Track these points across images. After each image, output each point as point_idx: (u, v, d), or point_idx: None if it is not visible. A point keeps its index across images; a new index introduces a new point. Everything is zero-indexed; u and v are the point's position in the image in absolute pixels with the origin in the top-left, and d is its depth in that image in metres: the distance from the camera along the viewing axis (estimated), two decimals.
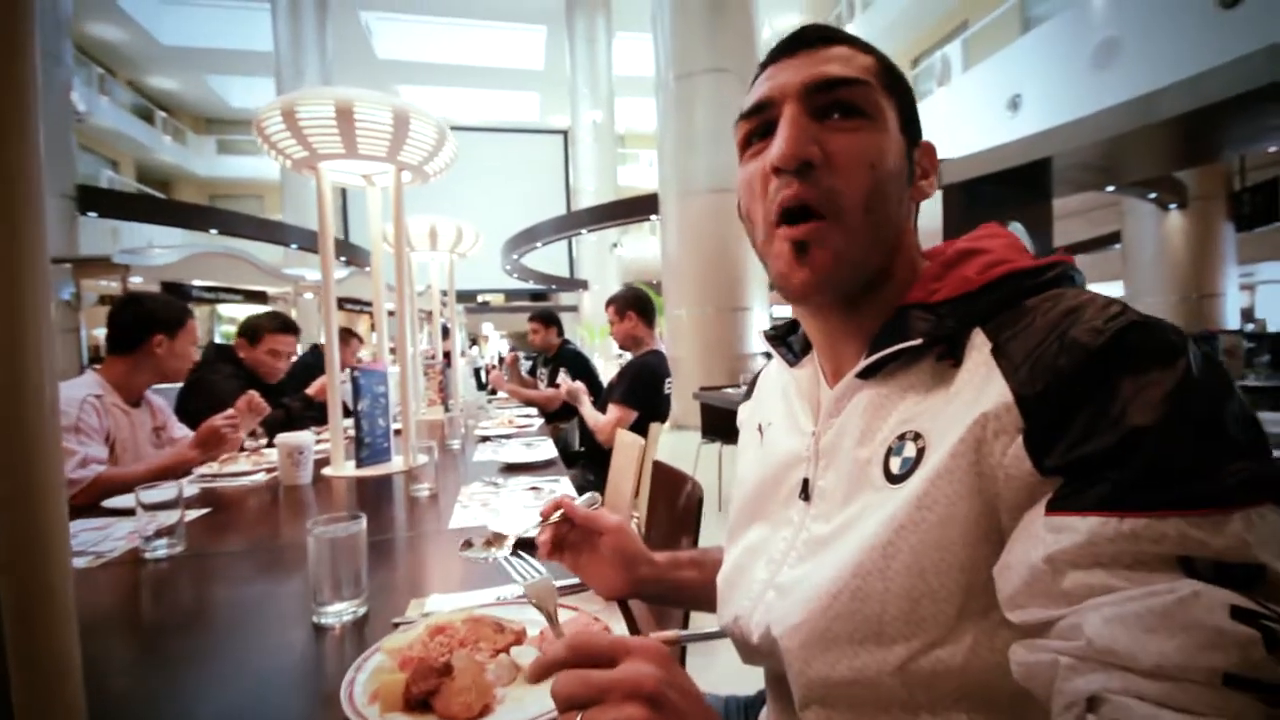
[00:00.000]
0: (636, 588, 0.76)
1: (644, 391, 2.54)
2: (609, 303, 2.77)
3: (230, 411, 1.75)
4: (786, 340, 0.65)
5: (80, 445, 1.51)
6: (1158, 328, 0.39)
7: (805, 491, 0.55)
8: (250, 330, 2.58)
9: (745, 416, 0.73)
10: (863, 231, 0.50)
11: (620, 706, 0.36)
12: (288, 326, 2.64)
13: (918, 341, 0.47)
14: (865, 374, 0.51)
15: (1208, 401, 0.37)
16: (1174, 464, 0.35)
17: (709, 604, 0.72)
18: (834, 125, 0.51)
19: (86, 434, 1.55)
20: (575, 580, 0.83)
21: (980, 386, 0.43)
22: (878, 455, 0.48)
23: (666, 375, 2.63)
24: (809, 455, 0.55)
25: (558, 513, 0.75)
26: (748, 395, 0.75)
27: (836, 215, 0.50)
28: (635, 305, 2.68)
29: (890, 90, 0.53)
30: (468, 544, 0.74)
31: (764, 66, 0.56)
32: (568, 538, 0.76)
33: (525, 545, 0.75)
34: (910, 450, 0.46)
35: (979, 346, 0.45)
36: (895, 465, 0.47)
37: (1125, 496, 0.35)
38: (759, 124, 0.54)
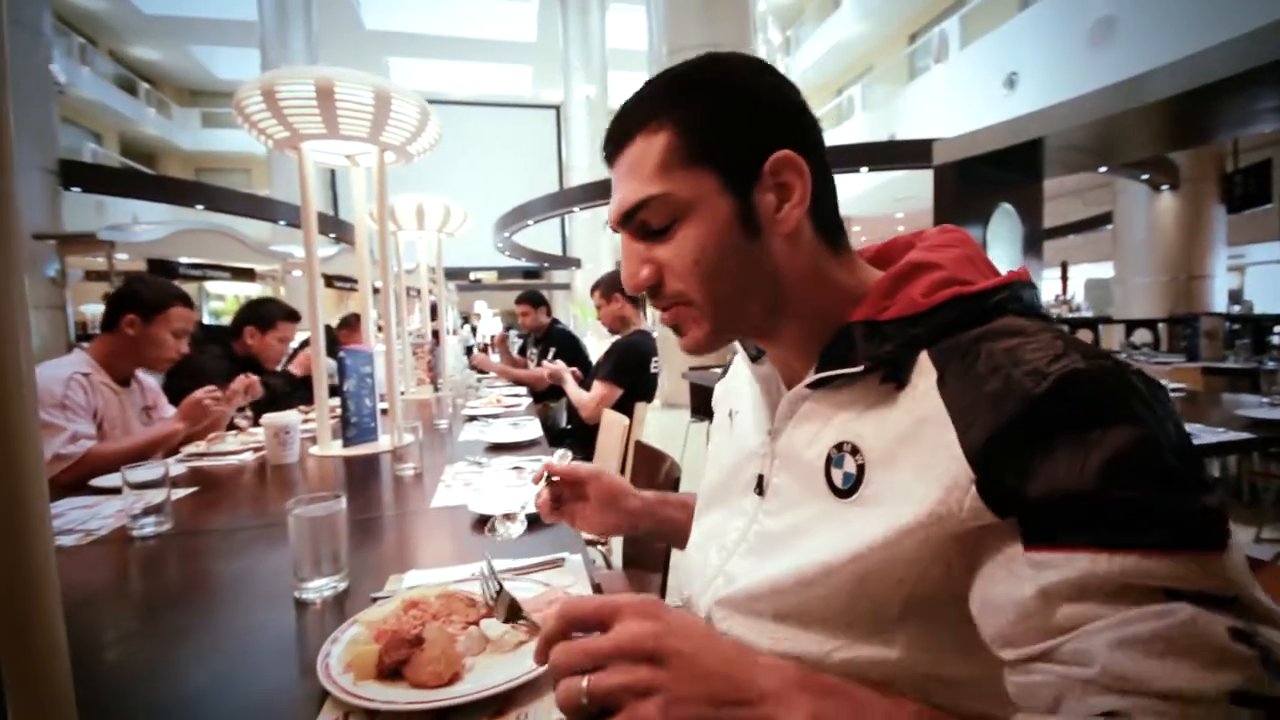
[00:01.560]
0: (631, 520, 0.80)
1: (630, 369, 2.57)
2: (594, 287, 2.80)
3: (212, 387, 1.77)
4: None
5: (68, 422, 1.52)
6: (1099, 370, 0.40)
7: (760, 486, 0.57)
8: (262, 317, 2.59)
9: (720, 395, 0.75)
10: (716, 307, 0.53)
11: (629, 670, 0.37)
12: (293, 315, 2.67)
13: (859, 369, 0.48)
14: (813, 385, 0.52)
15: (1165, 444, 0.38)
16: (1153, 505, 0.37)
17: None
18: (653, 239, 0.54)
19: (74, 411, 1.56)
20: (544, 558, 0.87)
21: (926, 419, 0.44)
22: (820, 463, 0.50)
23: (653, 354, 2.66)
24: (765, 453, 0.57)
25: (545, 477, 0.78)
26: (724, 374, 0.77)
27: (689, 304, 0.54)
28: (621, 287, 2.69)
29: (699, 160, 0.51)
30: (491, 529, 0.77)
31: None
32: (561, 496, 0.80)
33: (532, 517, 0.80)
34: (850, 465, 0.48)
35: (924, 373, 0.46)
36: (837, 478, 0.49)
37: (1113, 536, 0.37)
38: None
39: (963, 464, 0.41)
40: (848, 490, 0.48)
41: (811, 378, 0.52)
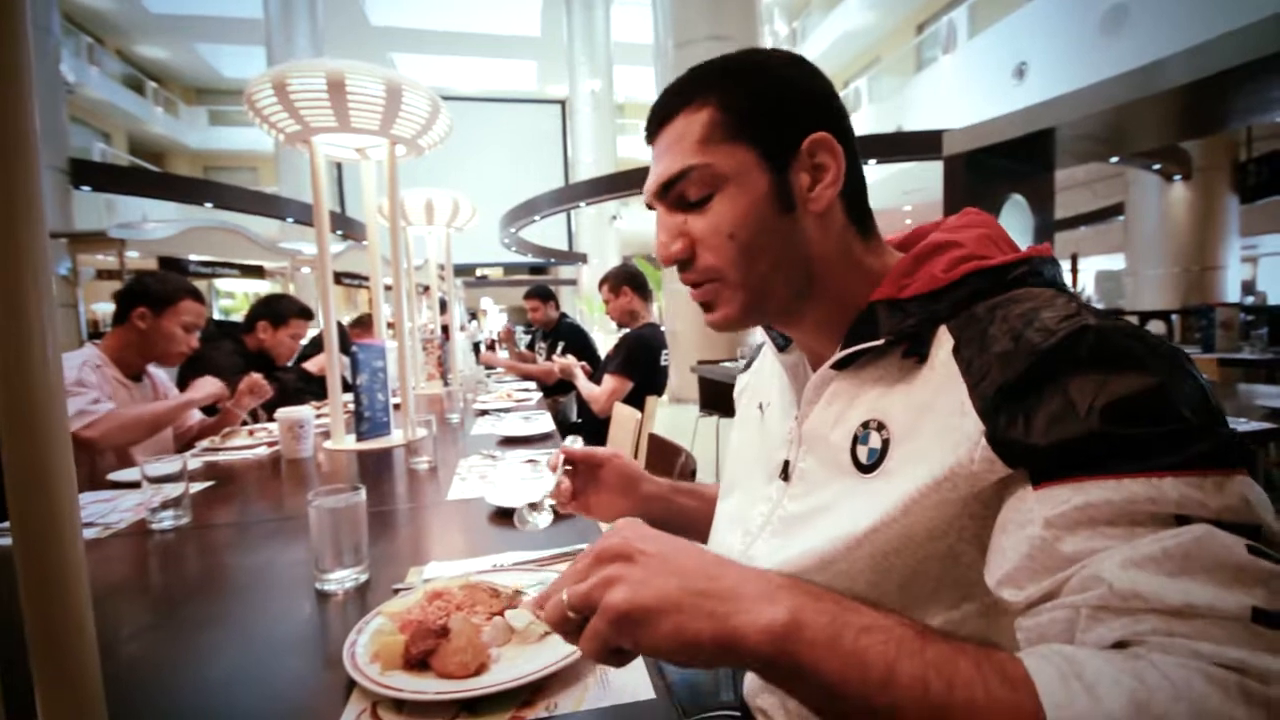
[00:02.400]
0: (644, 505, 0.79)
1: (640, 363, 2.57)
2: (602, 281, 2.80)
3: (258, 376, 1.88)
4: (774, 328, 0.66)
5: (85, 390, 1.55)
6: (1110, 329, 0.40)
7: (785, 472, 0.57)
8: (276, 313, 2.60)
9: (742, 388, 0.75)
10: (749, 284, 0.54)
11: (601, 568, 0.39)
12: (306, 312, 2.69)
13: (880, 341, 0.49)
14: (838, 365, 0.53)
15: (1180, 373, 0.38)
16: (1162, 427, 0.36)
17: (704, 535, 0.75)
18: (690, 211, 0.55)
19: (88, 387, 1.58)
20: (567, 549, 0.86)
21: (942, 386, 0.45)
22: (846, 442, 0.51)
23: (663, 347, 2.66)
24: (792, 438, 0.57)
25: (562, 464, 0.77)
26: (747, 366, 0.77)
27: (722, 279, 0.55)
28: (630, 281, 2.71)
29: (739, 136, 0.52)
30: (521, 520, 0.76)
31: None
32: (575, 484, 0.78)
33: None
34: (875, 440, 0.49)
35: (943, 344, 0.47)
36: (863, 454, 0.50)
37: (1119, 461, 0.36)
38: None
39: (973, 418, 0.42)
40: (871, 466, 0.49)
41: (836, 357, 0.52)
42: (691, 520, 0.78)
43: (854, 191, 0.56)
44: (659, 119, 0.56)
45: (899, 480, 0.45)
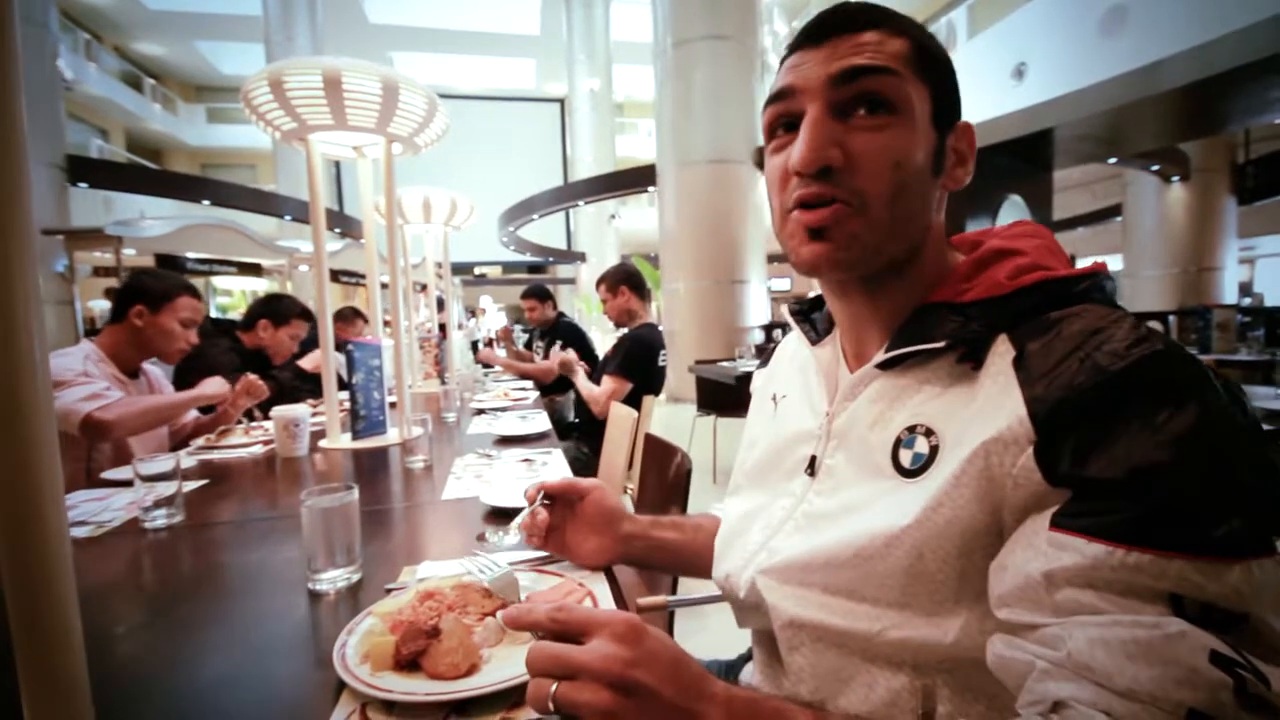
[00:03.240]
0: (623, 546, 0.77)
1: (639, 363, 2.57)
2: (600, 281, 2.78)
3: (254, 376, 1.90)
4: (810, 317, 0.65)
5: (93, 380, 1.56)
6: (1180, 359, 0.39)
7: (811, 467, 0.56)
8: (277, 312, 2.61)
9: (760, 384, 0.74)
10: (883, 223, 0.50)
11: (595, 691, 0.38)
12: (308, 314, 2.70)
13: (941, 344, 0.48)
14: (884, 365, 0.51)
15: (1224, 444, 0.37)
16: (1186, 506, 0.36)
17: (687, 566, 0.74)
18: (858, 123, 0.49)
19: (94, 378, 1.59)
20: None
21: (998, 395, 0.44)
22: (887, 444, 0.50)
23: (661, 347, 2.65)
24: (820, 434, 0.56)
25: (540, 498, 0.76)
26: (764, 363, 0.76)
27: (860, 206, 0.49)
28: (627, 280, 2.70)
29: (923, 76, 0.51)
30: (482, 538, 0.76)
31: (793, 49, 0.53)
32: (553, 518, 0.76)
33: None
34: (922, 445, 0.48)
35: (1002, 354, 0.45)
36: (906, 458, 0.48)
37: (1135, 531, 0.36)
38: (782, 112, 0.53)
39: (1025, 424, 0.41)
40: (915, 470, 0.47)
41: (881, 356, 0.51)
42: (673, 554, 0.77)
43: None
44: (854, 21, 0.50)
45: (940, 478, 0.45)
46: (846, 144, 0.49)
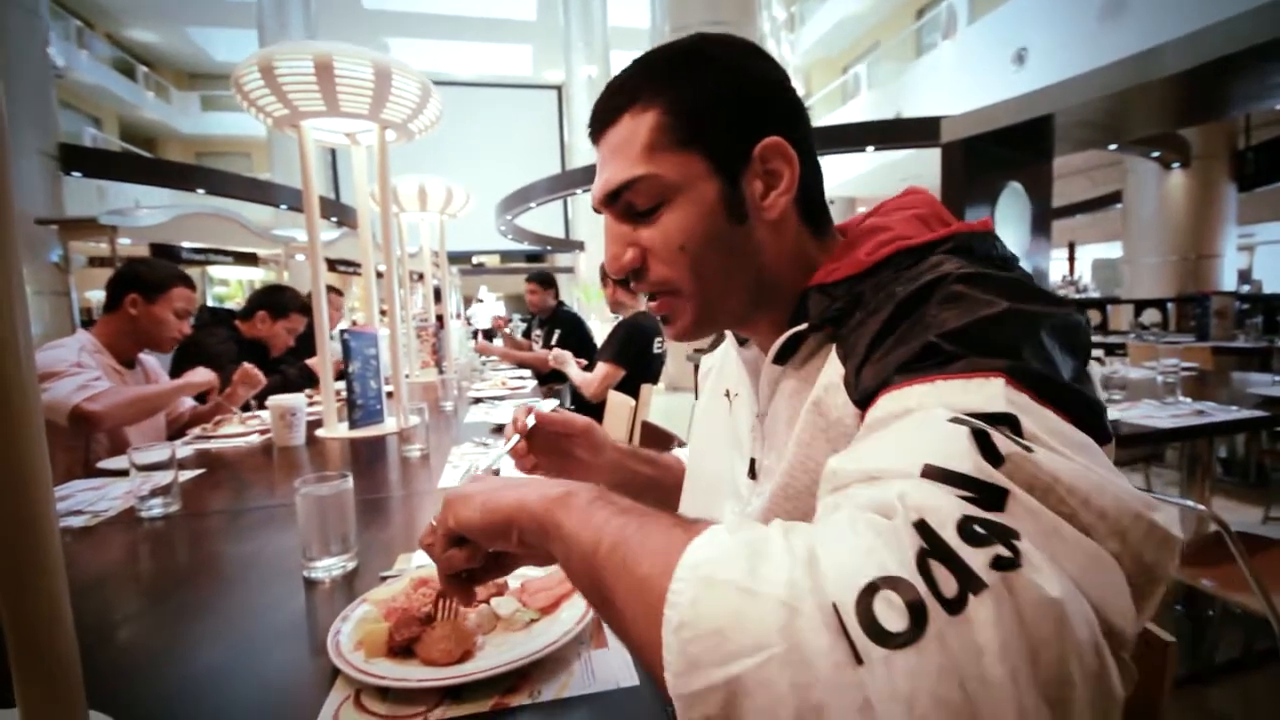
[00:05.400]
0: (608, 473, 0.77)
1: (632, 350, 2.60)
2: (601, 271, 2.81)
3: (251, 366, 1.92)
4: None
5: (84, 370, 1.56)
6: (978, 272, 0.40)
7: (752, 470, 0.58)
8: (277, 304, 2.60)
9: (708, 369, 0.74)
10: (702, 295, 0.53)
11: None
12: (307, 309, 2.69)
13: (803, 326, 0.49)
14: (782, 360, 0.52)
15: (1024, 310, 0.37)
16: (954, 348, 0.35)
17: (661, 501, 0.74)
18: (639, 221, 0.53)
19: (86, 368, 1.58)
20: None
21: (835, 355, 0.46)
22: None
23: (656, 334, 2.67)
24: (756, 436, 0.58)
25: (530, 425, 0.73)
26: (713, 347, 0.76)
27: (675, 291, 0.53)
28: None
29: (687, 143, 0.50)
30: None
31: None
32: (537, 452, 0.75)
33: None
34: None
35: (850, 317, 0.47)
36: None
37: (904, 374, 0.36)
38: None
39: (838, 365, 0.45)
40: None
41: (773, 350, 0.52)
42: (648, 486, 0.78)
43: (811, 190, 0.54)
44: (602, 119, 0.53)
45: (794, 451, 0.48)
46: (638, 241, 0.53)
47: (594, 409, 2.53)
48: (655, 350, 2.67)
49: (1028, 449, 0.29)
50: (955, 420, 0.30)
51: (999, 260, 0.47)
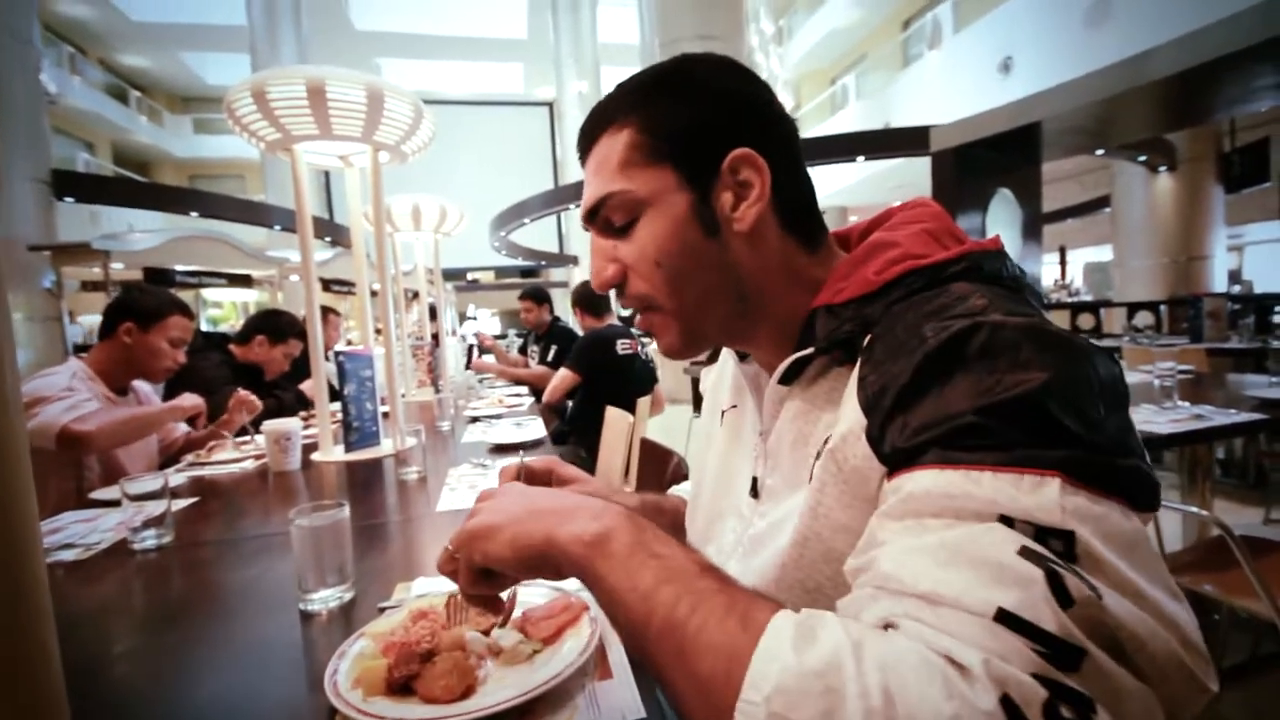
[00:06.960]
0: None
1: (589, 356, 2.84)
2: (572, 296, 3.22)
3: (247, 394, 1.92)
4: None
5: (74, 394, 1.54)
6: (1005, 323, 0.38)
7: (755, 489, 0.56)
8: (276, 329, 2.59)
9: (710, 384, 0.73)
10: (681, 309, 0.53)
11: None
12: (304, 335, 2.68)
13: (810, 351, 0.48)
14: (788, 380, 0.51)
15: (1072, 379, 0.36)
16: (1002, 429, 0.35)
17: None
18: (619, 237, 0.54)
19: (78, 394, 1.56)
20: None
21: (850, 392, 0.44)
22: (809, 460, 0.49)
23: (617, 338, 2.86)
24: (758, 454, 0.56)
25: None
26: (712, 358, 0.75)
27: (656, 306, 0.54)
28: (579, 301, 3.12)
29: (658, 156, 0.51)
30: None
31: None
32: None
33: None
34: None
35: (865, 349, 0.45)
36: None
37: (955, 452, 0.35)
38: None
39: (858, 413, 0.42)
40: None
41: (778, 372, 0.51)
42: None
43: (792, 201, 0.53)
44: (586, 139, 0.55)
45: (814, 491, 0.46)
46: (618, 256, 0.54)
47: (593, 426, 2.52)
48: (621, 352, 2.85)
49: (1097, 594, 0.30)
50: (1025, 554, 0.31)
51: (1010, 281, 0.47)
